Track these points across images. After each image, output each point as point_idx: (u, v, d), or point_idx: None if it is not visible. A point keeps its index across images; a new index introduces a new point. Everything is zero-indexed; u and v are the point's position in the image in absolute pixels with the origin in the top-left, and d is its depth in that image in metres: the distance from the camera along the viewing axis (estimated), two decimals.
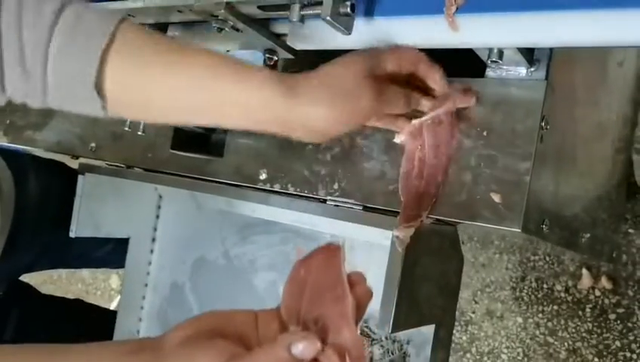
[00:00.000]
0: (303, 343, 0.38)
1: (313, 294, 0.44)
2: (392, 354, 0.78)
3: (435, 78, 0.56)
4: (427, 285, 0.66)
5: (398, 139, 0.63)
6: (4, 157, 0.94)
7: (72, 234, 0.93)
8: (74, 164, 0.96)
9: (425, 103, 0.57)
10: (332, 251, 0.45)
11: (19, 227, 0.93)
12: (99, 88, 0.48)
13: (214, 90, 0.49)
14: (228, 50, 0.80)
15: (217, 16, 0.59)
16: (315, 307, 0.43)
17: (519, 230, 0.56)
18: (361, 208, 0.66)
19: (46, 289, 2.17)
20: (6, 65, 0.48)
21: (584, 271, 1.20)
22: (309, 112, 0.50)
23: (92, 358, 0.44)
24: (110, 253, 1.15)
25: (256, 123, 0.52)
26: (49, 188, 1.00)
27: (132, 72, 0.49)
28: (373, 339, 0.80)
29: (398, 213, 0.62)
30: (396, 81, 0.55)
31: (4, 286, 0.99)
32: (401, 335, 0.79)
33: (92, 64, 0.47)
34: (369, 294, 0.44)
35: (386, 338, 0.79)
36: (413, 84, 0.57)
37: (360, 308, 0.43)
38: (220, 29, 0.61)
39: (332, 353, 0.39)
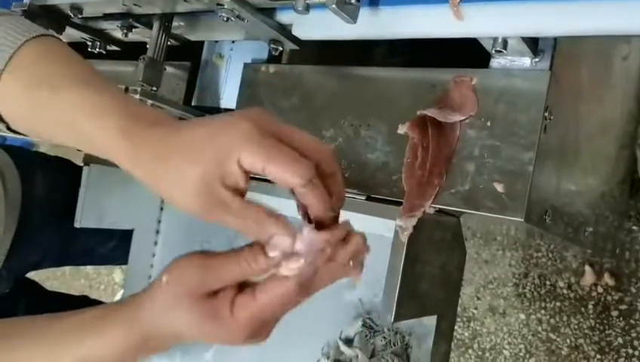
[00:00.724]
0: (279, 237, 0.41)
1: None
2: (394, 345, 0.78)
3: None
4: (429, 276, 0.67)
5: (401, 130, 0.64)
6: (11, 156, 0.94)
7: (76, 225, 0.93)
8: (79, 159, 0.96)
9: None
10: None
11: (26, 225, 0.94)
12: None
13: (74, 130, 0.45)
14: (233, 41, 0.81)
15: (223, 5, 0.60)
16: None
17: (522, 219, 0.56)
18: (364, 198, 0.66)
19: (50, 284, 2.19)
20: None
21: (587, 267, 1.20)
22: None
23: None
24: (113, 249, 1.16)
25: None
26: (55, 186, 1.01)
27: (18, 100, 0.47)
28: (376, 331, 0.81)
29: (401, 203, 0.62)
30: None
31: (12, 283, 0.99)
32: (403, 326, 0.79)
33: None
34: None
35: (389, 329, 0.80)
36: None
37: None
38: (226, 19, 0.61)
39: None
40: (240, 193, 0.42)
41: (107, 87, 0.46)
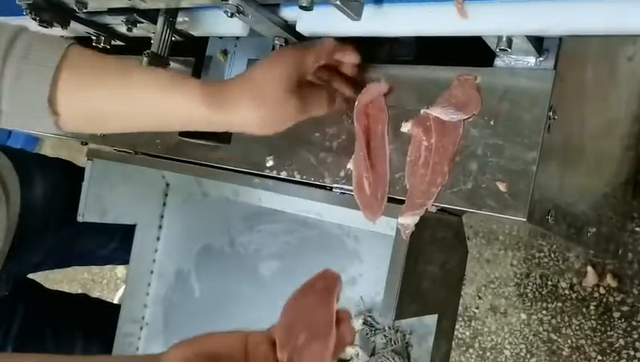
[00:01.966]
0: None
1: (304, 326, 0.47)
2: (395, 343, 0.78)
3: (347, 64, 0.63)
4: (431, 274, 0.67)
5: (405, 128, 0.64)
6: (11, 159, 0.94)
7: (79, 219, 0.93)
8: (82, 155, 0.96)
9: (346, 90, 0.65)
10: (328, 284, 0.49)
11: (26, 227, 0.94)
12: (52, 107, 0.54)
13: (150, 106, 0.56)
14: (238, 38, 0.81)
15: (227, 0, 0.59)
16: (303, 339, 0.46)
17: (524, 219, 0.56)
18: None
19: (53, 278, 2.19)
20: None
21: (589, 268, 1.19)
22: (234, 119, 0.56)
23: None
24: (114, 250, 1.16)
25: (194, 127, 0.58)
26: (55, 188, 1.00)
27: (80, 92, 0.55)
28: (377, 329, 0.81)
29: (403, 201, 0.62)
30: (320, 74, 0.62)
31: (11, 285, 0.99)
32: (404, 325, 0.79)
33: (45, 87, 0.52)
34: (352, 332, 0.49)
35: (389, 327, 0.80)
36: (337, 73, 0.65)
37: (340, 345, 0.47)
38: (230, 14, 0.61)
39: None
40: None
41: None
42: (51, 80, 0.53)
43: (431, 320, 0.74)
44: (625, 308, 1.16)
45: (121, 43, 0.87)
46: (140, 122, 0.58)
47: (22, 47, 0.53)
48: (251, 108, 0.56)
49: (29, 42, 0.54)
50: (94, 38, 0.86)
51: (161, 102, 0.55)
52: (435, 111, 0.60)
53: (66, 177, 1.03)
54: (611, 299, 1.17)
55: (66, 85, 0.54)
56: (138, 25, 0.77)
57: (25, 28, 0.55)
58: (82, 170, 0.94)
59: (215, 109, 0.55)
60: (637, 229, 1.15)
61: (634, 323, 1.14)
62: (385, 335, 0.79)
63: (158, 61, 0.75)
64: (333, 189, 0.68)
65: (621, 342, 1.15)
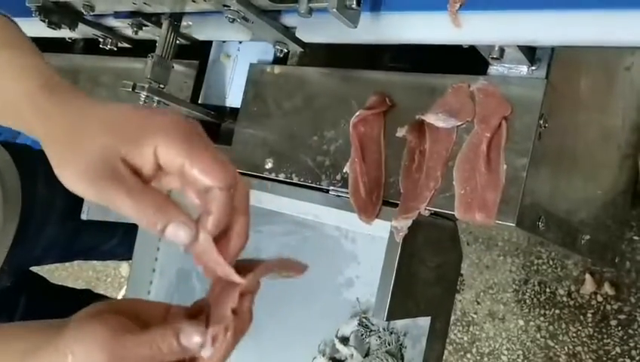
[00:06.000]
0: (191, 332, 0.39)
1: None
2: (389, 344, 0.79)
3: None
4: (424, 276, 0.68)
5: (400, 133, 0.65)
6: (14, 154, 0.95)
7: (83, 217, 0.95)
8: None
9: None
10: None
11: (28, 222, 0.95)
12: None
13: None
14: (240, 42, 0.82)
15: (229, 6, 0.61)
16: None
17: (513, 224, 0.57)
18: None
19: (58, 275, 2.22)
20: None
21: (587, 276, 1.20)
22: None
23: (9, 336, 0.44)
24: (116, 246, 1.17)
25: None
26: (58, 183, 1.02)
27: None
28: (372, 330, 0.82)
29: (397, 204, 0.64)
30: None
31: (13, 277, 1.01)
32: (399, 327, 0.80)
33: None
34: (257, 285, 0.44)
35: (384, 329, 0.81)
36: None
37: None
38: (232, 20, 0.63)
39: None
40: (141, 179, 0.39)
41: (33, 51, 0.44)
42: None
43: (425, 321, 0.75)
44: (622, 316, 1.16)
45: (127, 45, 0.89)
46: None
47: None
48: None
49: None
50: (101, 40, 0.88)
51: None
52: (430, 118, 0.61)
53: None
54: (608, 307, 1.18)
55: None
56: (144, 28, 0.79)
57: None
58: None
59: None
60: (635, 238, 1.15)
61: (630, 331, 1.15)
62: (379, 337, 0.80)
63: (163, 63, 0.77)
64: (330, 192, 0.70)
65: (617, 349, 1.16)
